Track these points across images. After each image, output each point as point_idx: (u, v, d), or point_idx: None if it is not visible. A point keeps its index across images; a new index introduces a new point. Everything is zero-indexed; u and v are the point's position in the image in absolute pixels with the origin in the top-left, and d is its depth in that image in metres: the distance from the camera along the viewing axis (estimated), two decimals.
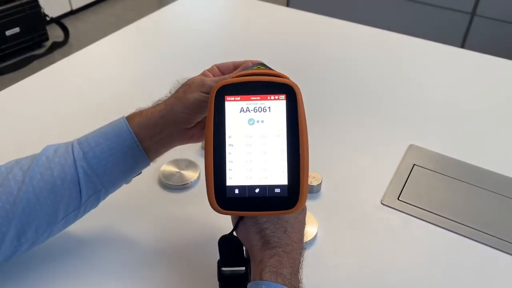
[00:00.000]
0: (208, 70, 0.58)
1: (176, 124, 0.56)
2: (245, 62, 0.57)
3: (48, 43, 2.70)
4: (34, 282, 0.58)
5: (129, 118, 0.57)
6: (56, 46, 2.69)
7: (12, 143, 0.81)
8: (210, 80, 0.55)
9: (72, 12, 3.05)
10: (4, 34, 2.48)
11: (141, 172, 0.59)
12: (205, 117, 0.56)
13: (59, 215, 0.54)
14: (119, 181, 0.58)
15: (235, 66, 0.58)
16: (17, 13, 2.50)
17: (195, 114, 0.55)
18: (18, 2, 2.49)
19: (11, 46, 2.53)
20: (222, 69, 0.59)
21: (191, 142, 0.61)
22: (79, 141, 0.56)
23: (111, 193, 0.58)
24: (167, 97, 0.58)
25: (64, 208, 0.54)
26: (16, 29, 2.52)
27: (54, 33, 2.77)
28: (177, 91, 0.57)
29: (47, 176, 0.53)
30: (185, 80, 0.58)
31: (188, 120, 0.56)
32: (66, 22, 2.86)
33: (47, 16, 2.73)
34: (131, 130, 0.55)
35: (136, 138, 0.55)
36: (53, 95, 0.95)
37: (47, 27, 2.69)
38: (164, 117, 0.55)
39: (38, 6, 2.58)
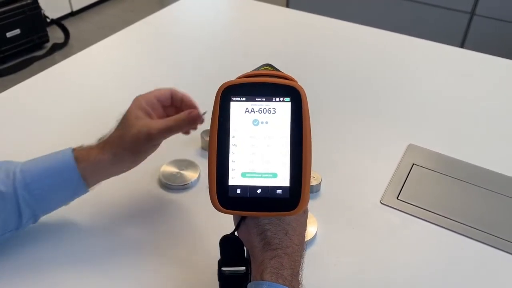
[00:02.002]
0: (148, 104, 0.62)
1: (125, 169, 0.62)
2: (186, 101, 0.65)
3: (48, 45, 2.71)
4: (34, 280, 0.59)
5: (77, 158, 0.58)
6: (56, 47, 2.69)
7: (12, 145, 0.81)
8: (157, 131, 0.59)
9: (72, 14, 3.05)
10: (5, 35, 2.48)
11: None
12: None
13: None
14: (57, 206, 0.61)
15: (173, 97, 0.64)
16: (18, 14, 2.50)
17: (143, 159, 0.62)
18: (18, 4, 2.50)
19: (12, 48, 2.54)
20: (163, 103, 0.64)
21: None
22: (23, 170, 0.56)
23: (48, 213, 0.61)
24: (112, 138, 0.60)
25: (1, 230, 0.57)
26: (17, 31, 2.53)
27: (55, 35, 2.77)
28: (124, 141, 0.60)
29: None
30: (126, 117, 0.61)
31: (137, 163, 0.62)
32: (67, 23, 2.87)
33: (48, 17, 2.73)
34: (79, 175, 0.58)
35: (82, 180, 0.59)
36: (54, 97, 0.95)
37: (48, 29, 2.70)
38: (114, 165, 0.60)
39: (38, 8, 2.59)
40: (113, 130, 0.61)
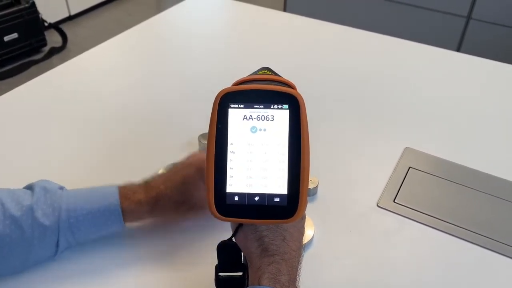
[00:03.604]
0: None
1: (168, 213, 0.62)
2: None
3: (46, 49, 2.71)
4: (33, 280, 0.59)
5: (125, 212, 0.59)
6: (54, 51, 2.69)
7: (10, 149, 0.81)
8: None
9: (70, 18, 3.05)
10: (3, 39, 2.48)
11: None
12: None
13: (28, 264, 0.58)
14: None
15: None
16: (16, 18, 2.50)
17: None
18: (16, 8, 2.50)
19: (9, 52, 2.54)
20: None
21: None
22: (68, 209, 0.57)
23: None
24: (167, 197, 0.60)
25: (35, 260, 0.58)
26: (14, 35, 2.53)
27: (52, 39, 2.77)
28: (178, 208, 0.61)
29: (28, 233, 0.54)
30: (188, 185, 0.60)
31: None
32: (64, 27, 2.87)
33: (45, 21, 2.73)
34: (122, 220, 0.58)
35: (123, 222, 0.59)
36: (51, 101, 0.95)
37: (45, 33, 2.70)
38: (155, 208, 0.60)
39: (36, 12, 2.59)
40: (168, 183, 0.60)
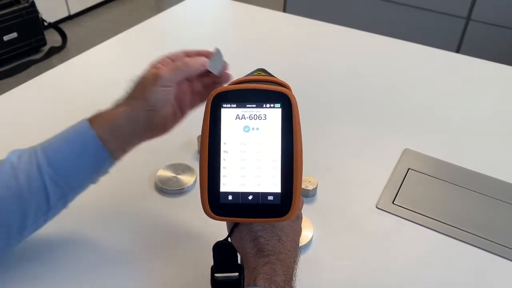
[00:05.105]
0: (159, 62, 0.60)
1: (143, 124, 0.57)
2: (198, 52, 0.61)
3: (45, 48, 2.71)
4: (34, 285, 0.59)
5: (91, 120, 0.57)
6: (53, 51, 2.69)
7: (8, 149, 0.81)
8: (164, 72, 0.56)
9: (69, 17, 3.05)
10: (2, 39, 2.48)
11: (108, 172, 0.59)
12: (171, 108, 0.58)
13: (28, 221, 0.55)
14: (85, 183, 0.58)
15: (186, 55, 0.60)
16: (15, 18, 2.50)
17: (159, 111, 0.56)
18: (16, 7, 2.50)
19: (9, 51, 2.54)
20: (172, 58, 0.60)
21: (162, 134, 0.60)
22: (43, 147, 0.56)
23: (78, 194, 0.58)
24: (124, 98, 0.59)
25: (33, 214, 0.54)
26: (14, 34, 2.53)
27: (52, 38, 2.77)
28: (134, 91, 0.59)
29: (12, 183, 0.53)
30: (137, 78, 0.59)
31: (154, 117, 0.57)
32: (64, 27, 2.87)
33: (45, 21, 2.73)
34: (95, 134, 0.55)
35: (100, 142, 0.55)
36: (50, 100, 0.95)
37: (45, 32, 2.70)
38: (129, 118, 0.57)
39: (36, 11, 2.59)
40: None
